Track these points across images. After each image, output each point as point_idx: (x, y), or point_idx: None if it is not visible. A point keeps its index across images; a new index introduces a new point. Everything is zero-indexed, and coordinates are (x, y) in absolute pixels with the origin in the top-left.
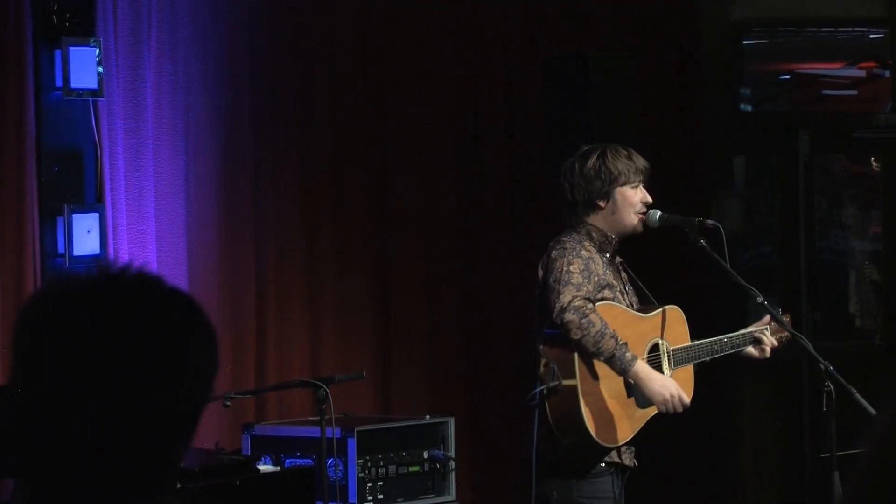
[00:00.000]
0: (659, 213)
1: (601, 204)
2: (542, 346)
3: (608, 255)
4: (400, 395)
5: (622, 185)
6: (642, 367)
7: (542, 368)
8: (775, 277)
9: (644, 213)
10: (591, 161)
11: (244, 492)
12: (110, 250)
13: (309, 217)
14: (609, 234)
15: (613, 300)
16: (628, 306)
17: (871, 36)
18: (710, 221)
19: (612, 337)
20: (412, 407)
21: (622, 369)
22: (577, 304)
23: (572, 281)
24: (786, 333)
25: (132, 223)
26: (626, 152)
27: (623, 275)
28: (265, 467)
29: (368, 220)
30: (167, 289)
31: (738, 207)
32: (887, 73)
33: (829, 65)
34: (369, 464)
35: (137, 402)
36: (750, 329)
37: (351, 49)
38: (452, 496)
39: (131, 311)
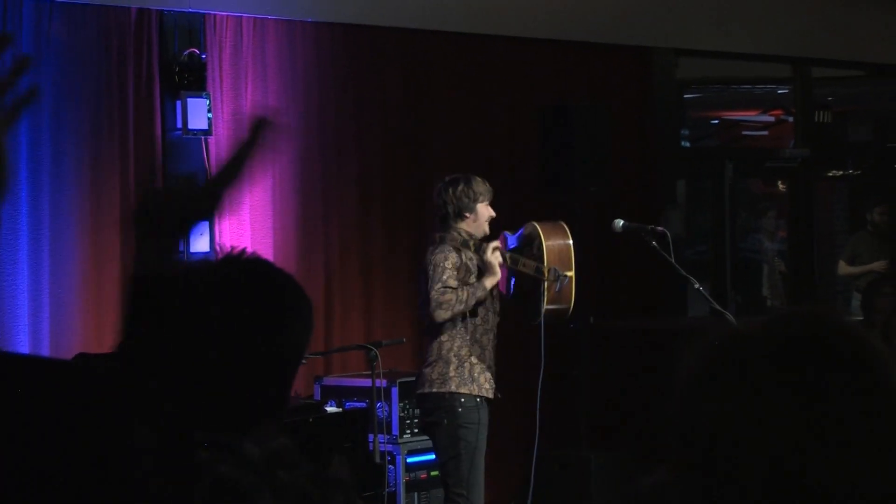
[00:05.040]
0: (622, 221)
1: (467, 215)
2: (546, 256)
3: (471, 250)
4: None
5: (481, 202)
6: (483, 282)
7: (547, 275)
8: (708, 269)
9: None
10: (461, 185)
11: (316, 426)
12: (216, 248)
13: (363, 227)
14: (472, 234)
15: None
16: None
17: (779, 91)
18: (659, 228)
19: (464, 290)
20: None
21: (483, 294)
22: (438, 297)
23: (443, 276)
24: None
25: (233, 228)
26: (481, 179)
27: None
28: (331, 409)
29: (410, 230)
30: (273, 266)
31: (680, 217)
32: (791, 119)
33: (748, 112)
34: (408, 406)
35: (249, 347)
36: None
37: (398, 101)
38: None
39: (247, 280)
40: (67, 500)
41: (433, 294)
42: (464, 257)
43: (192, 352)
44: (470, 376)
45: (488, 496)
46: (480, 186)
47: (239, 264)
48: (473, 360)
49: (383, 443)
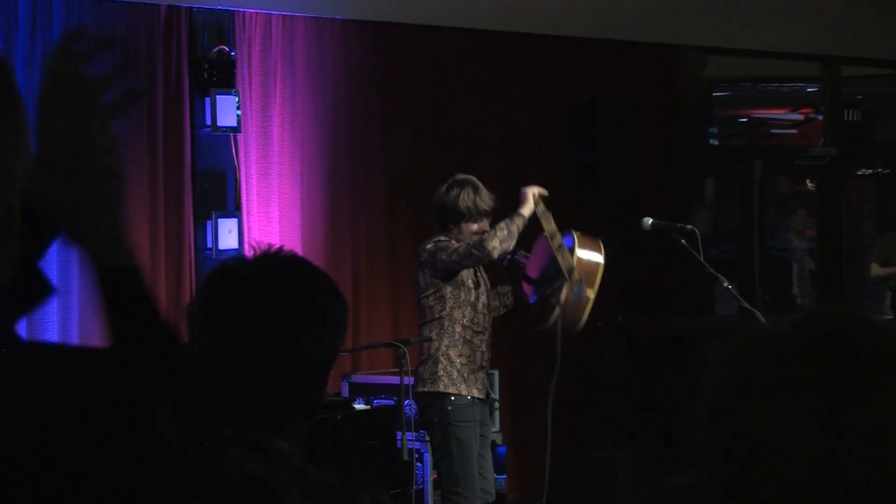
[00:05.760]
0: (651, 220)
1: (451, 227)
2: (576, 261)
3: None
4: None
5: (466, 221)
6: (520, 211)
7: (571, 277)
8: (736, 267)
9: (482, 235)
10: (450, 196)
11: (344, 423)
12: (245, 246)
13: (390, 225)
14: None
15: (473, 283)
16: (483, 289)
17: (808, 89)
18: (688, 226)
19: (501, 222)
20: None
21: (523, 220)
22: (476, 240)
23: (452, 241)
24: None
25: (261, 225)
26: (474, 196)
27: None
28: (359, 406)
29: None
30: (311, 265)
31: (709, 216)
32: (820, 117)
33: (776, 110)
34: None
35: (284, 347)
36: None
37: (425, 98)
38: (497, 427)
39: (286, 279)
40: (92, 492)
41: (468, 244)
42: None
43: (228, 349)
44: (460, 376)
45: (512, 495)
46: (467, 203)
47: (277, 262)
48: (463, 360)
49: (411, 440)
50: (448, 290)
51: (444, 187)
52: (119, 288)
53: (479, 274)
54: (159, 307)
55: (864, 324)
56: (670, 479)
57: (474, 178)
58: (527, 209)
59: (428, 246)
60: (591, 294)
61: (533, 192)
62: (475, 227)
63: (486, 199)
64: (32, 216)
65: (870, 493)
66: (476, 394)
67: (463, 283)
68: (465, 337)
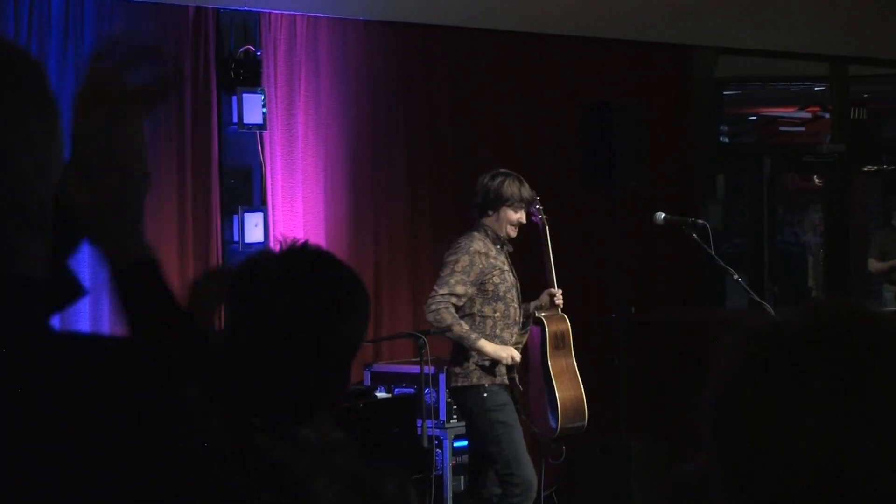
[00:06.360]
0: (663, 214)
1: (490, 213)
2: (560, 402)
3: (499, 246)
4: None
5: (507, 206)
6: (484, 343)
7: (557, 433)
8: (746, 261)
9: (517, 227)
10: (495, 182)
11: (366, 411)
12: (271, 239)
13: (411, 220)
14: (498, 232)
15: (503, 277)
16: (513, 282)
17: (816, 88)
18: (700, 221)
19: (459, 325)
20: None
21: (470, 346)
22: (441, 303)
23: (451, 280)
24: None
25: (286, 219)
26: (518, 184)
27: (509, 259)
28: (381, 394)
29: (457, 222)
30: (337, 259)
31: (720, 211)
32: (827, 115)
33: (785, 109)
34: None
35: (309, 339)
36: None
37: (445, 97)
38: None
39: (312, 272)
40: (122, 481)
41: (438, 295)
42: (490, 256)
43: (254, 341)
44: (491, 369)
45: None
46: (511, 190)
47: (304, 256)
48: None
49: (431, 427)
50: (476, 289)
51: (488, 175)
52: (138, 282)
53: (508, 266)
54: (177, 299)
55: (866, 316)
56: (681, 467)
57: (508, 173)
58: (487, 349)
59: (447, 255)
60: (583, 423)
61: (510, 356)
62: (515, 216)
63: (527, 190)
64: (64, 216)
65: (873, 484)
66: (507, 382)
67: (490, 281)
68: (494, 331)
